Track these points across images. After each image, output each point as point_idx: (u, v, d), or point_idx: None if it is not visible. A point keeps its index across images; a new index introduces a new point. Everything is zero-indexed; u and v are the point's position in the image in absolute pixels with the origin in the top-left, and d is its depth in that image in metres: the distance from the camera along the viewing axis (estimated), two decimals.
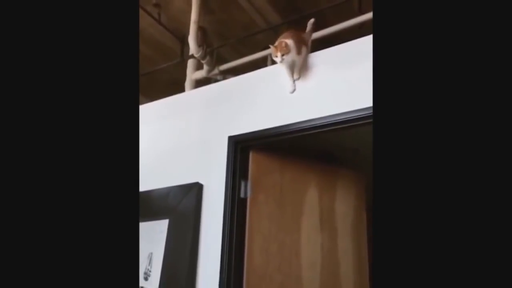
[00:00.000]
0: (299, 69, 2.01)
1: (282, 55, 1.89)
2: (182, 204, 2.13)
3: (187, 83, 2.89)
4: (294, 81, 2.01)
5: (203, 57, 2.79)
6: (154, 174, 2.31)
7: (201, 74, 2.87)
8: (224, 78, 2.76)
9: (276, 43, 1.94)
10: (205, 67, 2.84)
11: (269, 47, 2.84)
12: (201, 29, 2.81)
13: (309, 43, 2.07)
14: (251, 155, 2.11)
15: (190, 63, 2.94)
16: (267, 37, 3.01)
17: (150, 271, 2.12)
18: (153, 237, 2.16)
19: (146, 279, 2.11)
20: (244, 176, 2.07)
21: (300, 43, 1.97)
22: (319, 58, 2.03)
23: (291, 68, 2.00)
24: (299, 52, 1.96)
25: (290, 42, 1.93)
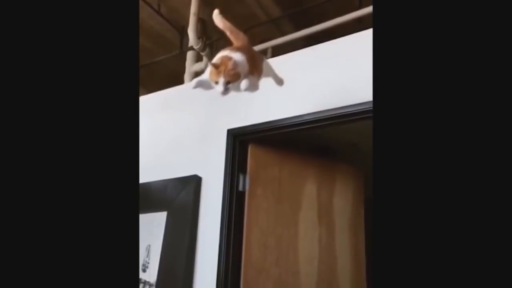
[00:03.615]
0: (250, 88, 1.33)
1: (228, 82, 1.22)
2: (181, 197, 2.13)
3: (187, 75, 2.88)
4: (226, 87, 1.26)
5: (203, 49, 2.78)
6: (152, 166, 2.31)
7: (200, 66, 2.86)
8: None
9: (216, 59, 1.26)
10: (205, 59, 2.83)
11: (269, 39, 2.86)
12: (200, 21, 2.79)
13: (262, 70, 1.46)
14: (249, 148, 2.11)
15: (190, 55, 2.92)
16: (268, 30, 3.00)
17: (148, 263, 2.12)
18: (151, 229, 2.16)
19: (144, 270, 2.12)
20: (243, 170, 2.07)
21: (254, 61, 1.37)
22: (319, 51, 2.02)
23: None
24: (252, 70, 1.32)
25: (240, 58, 1.25)
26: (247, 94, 2.14)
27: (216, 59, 1.27)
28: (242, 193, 2.04)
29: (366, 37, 1.85)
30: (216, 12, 1.40)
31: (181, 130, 2.34)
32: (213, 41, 2.87)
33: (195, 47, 2.77)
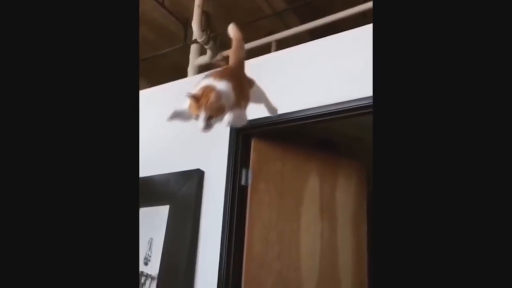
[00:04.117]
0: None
1: (210, 118, 1.04)
2: (183, 191, 2.14)
3: (190, 69, 2.87)
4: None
5: (207, 42, 2.76)
6: (155, 160, 2.31)
7: (204, 59, 2.85)
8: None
9: (197, 89, 1.05)
10: (208, 52, 2.81)
11: (273, 33, 2.84)
12: (205, 14, 2.78)
13: (249, 98, 1.25)
14: (252, 142, 2.11)
15: (193, 48, 2.91)
16: (272, 23, 2.98)
17: (150, 256, 2.13)
18: (153, 223, 2.17)
19: (146, 264, 2.13)
20: (245, 164, 2.07)
21: (242, 88, 1.15)
22: (322, 45, 2.00)
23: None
24: (239, 101, 1.11)
25: (225, 88, 1.05)
26: None
27: (197, 88, 1.05)
28: (245, 188, 2.04)
29: (370, 31, 1.84)
30: (231, 25, 1.30)
31: (184, 124, 2.33)
32: (217, 34, 2.86)
33: (199, 40, 2.75)
